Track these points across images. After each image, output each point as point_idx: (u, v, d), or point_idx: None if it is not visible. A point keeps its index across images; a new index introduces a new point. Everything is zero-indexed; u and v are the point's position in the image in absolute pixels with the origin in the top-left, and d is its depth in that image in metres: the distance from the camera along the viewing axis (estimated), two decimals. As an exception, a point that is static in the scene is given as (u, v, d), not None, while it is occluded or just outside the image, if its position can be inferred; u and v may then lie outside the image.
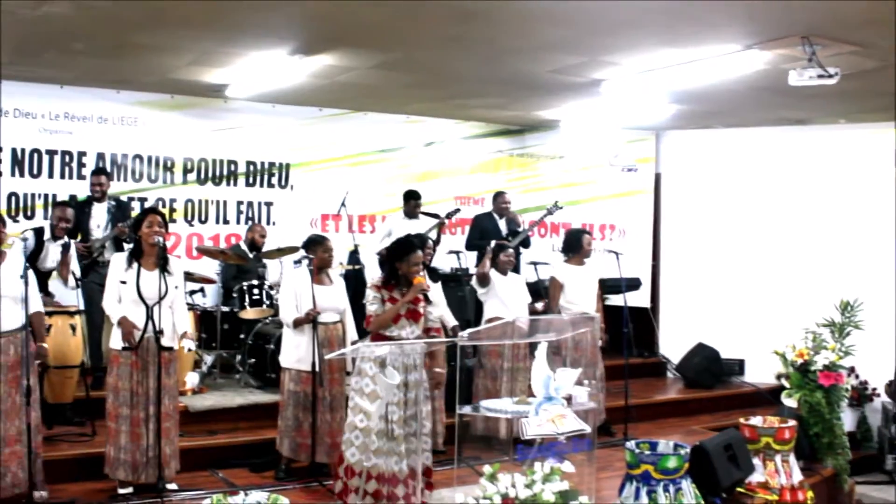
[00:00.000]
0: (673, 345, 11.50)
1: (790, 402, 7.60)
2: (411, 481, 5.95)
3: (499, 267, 8.38)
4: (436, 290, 7.85)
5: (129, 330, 6.26)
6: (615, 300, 9.31)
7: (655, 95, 9.21)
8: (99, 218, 8.58)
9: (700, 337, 11.07)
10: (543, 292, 8.71)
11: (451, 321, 7.95)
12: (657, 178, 12.12)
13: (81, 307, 8.06)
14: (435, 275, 8.01)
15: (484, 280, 8.32)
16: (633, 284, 10.65)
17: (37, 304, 6.40)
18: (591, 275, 8.64)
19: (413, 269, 6.13)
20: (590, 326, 6.41)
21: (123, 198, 9.41)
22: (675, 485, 5.75)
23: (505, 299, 8.26)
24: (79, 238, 8.44)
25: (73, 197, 9.36)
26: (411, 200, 10.28)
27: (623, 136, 12.04)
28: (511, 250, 8.59)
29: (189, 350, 6.64)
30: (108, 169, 9.49)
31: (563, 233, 11.67)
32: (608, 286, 9.33)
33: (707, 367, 10.84)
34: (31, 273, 6.32)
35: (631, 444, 6.02)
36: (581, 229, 9.12)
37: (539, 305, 8.53)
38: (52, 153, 9.50)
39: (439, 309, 6.41)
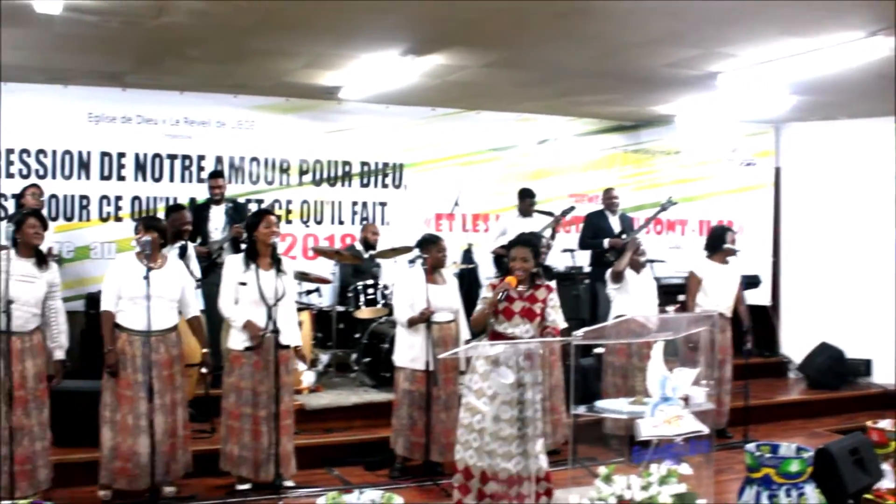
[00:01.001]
0: (795, 344, 11.20)
1: (921, 404, 7.31)
2: (526, 483, 5.87)
3: (634, 264, 8.27)
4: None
5: (255, 333, 6.41)
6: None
7: (774, 87, 8.95)
8: (217, 220, 8.82)
9: (823, 336, 10.76)
10: (659, 291, 8.53)
11: (562, 324, 7.88)
12: (777, 172, 11.81)
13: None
14: (549, 274, 7.92)
15: (619, 277, 8.22)
16: (753, 282, 10.40)
17: (195, 309, 6.66)
18: (732, 274, 8.44)
19: (512, 265, 6.03)
20: (708, 325, 6.24)
21: (241, 200, 9.64)
22: (798, 489, 5.58)
23: (635, 297, 8.15)
24: (198, 241, 8.66)
25: (192, 200, 9.62)
26: (526, 199, 10.23)
27: (741, 129, 11.76)
28: (644, 248, 8.44)
29: (301, 369, 6.70)
30: (226, 172, 9.74)
31: (679, 229, 11.51)
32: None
33: (831, 367, 10.52)
34: (190, 278, 6.68)
35: (751, 446, 5.87)
36: (725, 227, 8.90)
37: (671, 309, 8.37)
38: (172, 157, 9.78)
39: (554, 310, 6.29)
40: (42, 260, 6.19)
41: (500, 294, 5.97)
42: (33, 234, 6.06)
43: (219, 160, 9.91)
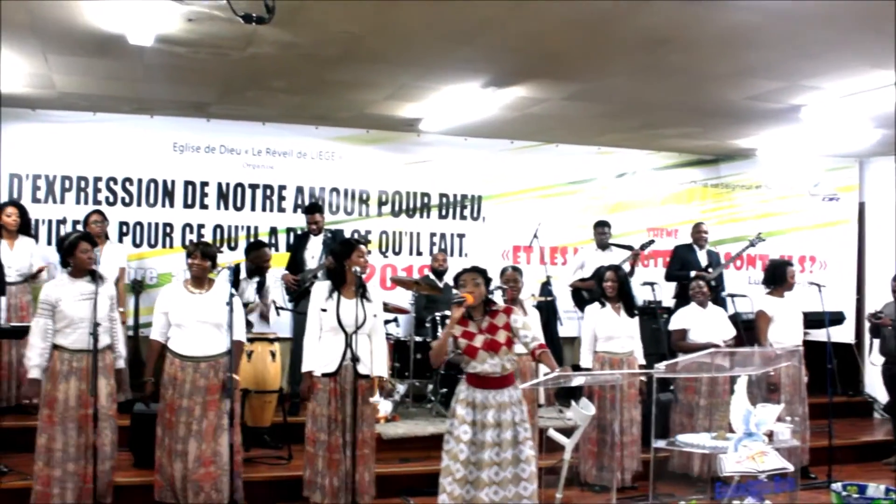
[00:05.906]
0: (880, 383, 10.89)
1: None
2: None
3: (695, 299, 8.16)
4: (632, 324, 7.71)
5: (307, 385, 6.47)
6: (818, 335, 8.89)
7: (859, 120, 8.80)
8: (314, 249, 8.96)
9: (910, 376, 10.44)
10: (741, 325, 8.40)
11: (640, 359, 7.77)
12: (861, 207, 11.58)
13: (281, 335, 8.33)
14: (630, 306, 7.85)
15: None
16: (837, 319, 10.16)
17: (240, 334, 6.67)
18: (794, 307, 8.27)
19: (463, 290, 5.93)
20: (793, 360, 6.14)
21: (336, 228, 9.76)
22: (887, 531, 5.43)
23: (702, 333, 8.02)
24: (296, 269, 8.89)
25: (292, 230, 9.85)
26: (599, 228, 10.19)
27: (823, 163, 11.58)
28: (702, 283, 8.32)
29: (379, 404, 6.68)
30: (306, 201, 9.88)
31: (759, 265, 11.32)
32: (810, 320, 8.92)
33: (919, 408, 10.20)
34: (237, 302, 6.61)
35: (837, 486, 5.74)
36: (785, 260, 8.75)
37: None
38: (254, 187, 9.95)
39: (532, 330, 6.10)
40: (95, 276, 6.32)
41: (459, 303, 5.84)
42: (86, 258, 6.21)
43: (300, 191, 10.06)
